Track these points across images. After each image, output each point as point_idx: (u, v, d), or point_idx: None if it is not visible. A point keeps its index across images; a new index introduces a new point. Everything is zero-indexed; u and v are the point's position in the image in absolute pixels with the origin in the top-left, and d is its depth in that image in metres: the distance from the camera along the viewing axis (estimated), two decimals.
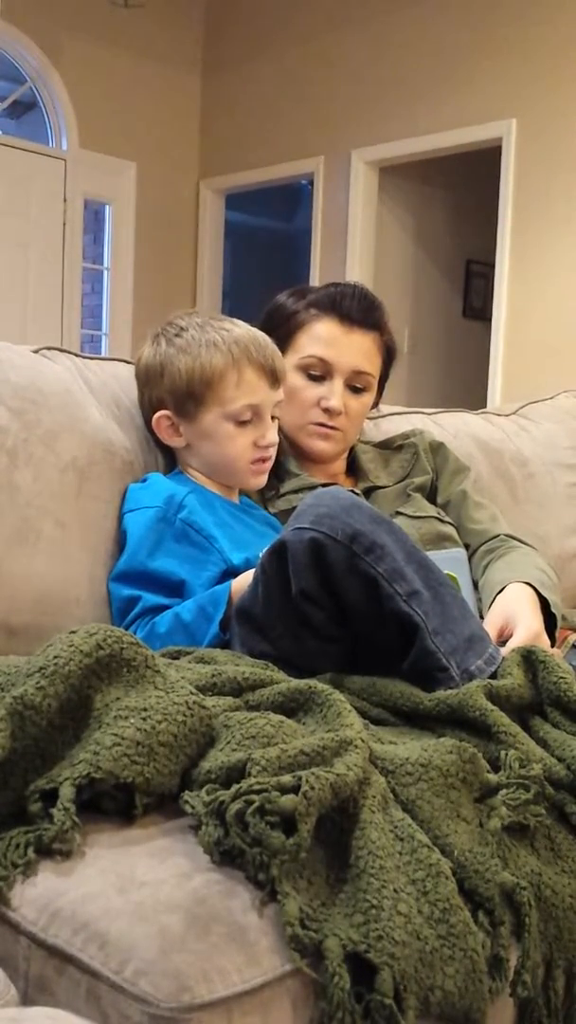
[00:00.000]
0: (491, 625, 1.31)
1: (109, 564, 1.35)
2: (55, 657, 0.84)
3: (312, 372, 1.55)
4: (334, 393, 1.54)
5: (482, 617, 1.38)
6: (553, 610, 1.37)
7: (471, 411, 2.11)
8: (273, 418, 1.42)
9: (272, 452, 1.43)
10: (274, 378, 1.39)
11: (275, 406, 1.41)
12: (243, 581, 1.22)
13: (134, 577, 1.31)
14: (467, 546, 1.59)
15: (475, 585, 1.54)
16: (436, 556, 1.37)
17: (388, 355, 1.62)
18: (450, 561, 1.36)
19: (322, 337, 1.54)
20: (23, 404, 1.31)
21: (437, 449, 1.71)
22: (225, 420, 1.37)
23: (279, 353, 1.42)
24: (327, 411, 1.55)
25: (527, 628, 1.28)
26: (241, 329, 1.39)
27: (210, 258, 6.67)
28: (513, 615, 1.32)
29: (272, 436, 1.41)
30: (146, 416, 1.44)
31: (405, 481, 1.63)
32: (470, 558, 1.58)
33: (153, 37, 6.24)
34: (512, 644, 1.25)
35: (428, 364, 6.40)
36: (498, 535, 1.59)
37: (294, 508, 1.26)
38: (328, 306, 1.55)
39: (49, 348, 1.46)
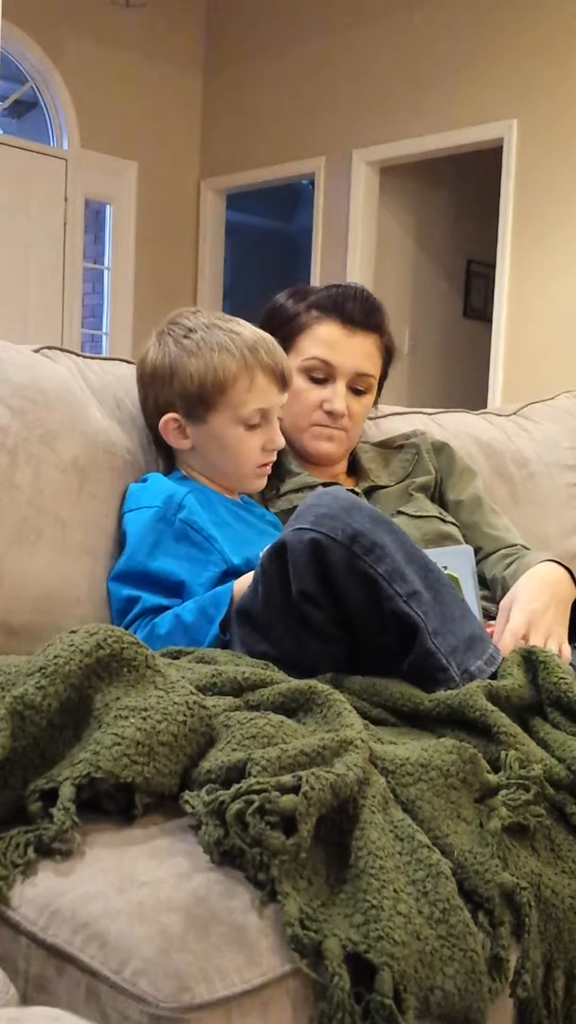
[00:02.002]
0: (502, 610, 1.32)
1: (109, 564, 1.35)
2: (55, 657, 0.84)
3: (314, 375, 1.55)
4: (337, 395, 1.54)
5: (491, 617, 1.38)
6: None
7: (471, 411, 2.11)
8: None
9: (276, 455, 1.43)
10: (283, 381, 1.39)
11: (280, 408, 1.41)
12: (244, 582, 1.22)
13: (133, 577, 1.31)
14: (480, 549, 1.60)
15: (484, 583, 1.55)
16: (444, 551, 1.37)
17: (388, 356, 1.62)
18: (457, 555, 1.36)
19: (324, 340, 1.54)
20: (24, 404, 1.31)
21: (441, 449, 1.71)
22: (236, 424, 1.37)
23: (286, 355, 1.42)
24: (330, 414, 1.55)
25: (520, 610, 1.28)
26: (248, 331, 1.39)
27: (211, 258, 6.67)
28: (515, 595, 1.32)
29: (280, 440, 1.41)
30: (149, 418, 1.43)
31: (407, 481, 1.63)
32: (484, 560, 1.58)
33: (154, 37, 6.24)
34: (507, 628, 1.26)
35: (428, 364, 6.40)
36: (516, 544, 1.60)
37: (295, 508, 1.26)
38: (330, 308, 1.55)
39: (50, 348, 1.46)
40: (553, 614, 1.29)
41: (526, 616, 1.27)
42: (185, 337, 1.37)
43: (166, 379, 1.37)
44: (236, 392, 1.35)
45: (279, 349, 1.40)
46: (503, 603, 1.33)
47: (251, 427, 1.37)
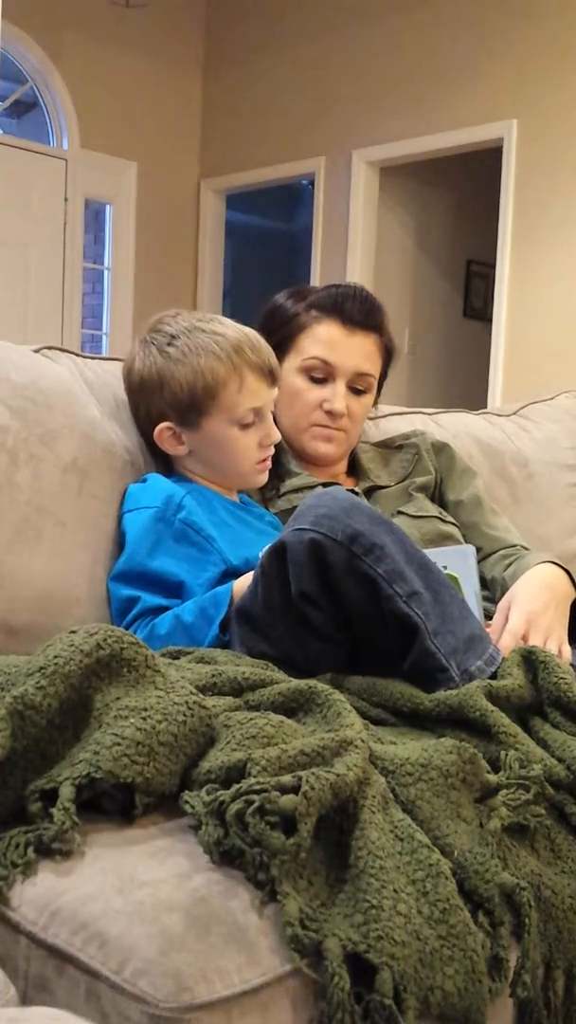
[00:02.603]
0: (500, 611, 1.32)
1: (109, 564, 1.35)
2: (55, 657, 0.84)
3: (314, 375, 1.55)
4: (336, 395, 1.54)
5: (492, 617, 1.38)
6: None
7: (471, 411, 2.11)
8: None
9: (273, 448, 1.43)
10: (272, 377, 1.39)
11: (272, 402, 1.41)
12: (244, 583, 1.22)
13: (133, 577, 1.31)
14: (479, 549, 1.60)
15: (484, 583, 1.55)
16: (444, 551, 1.38)
17: (387, 355, 1.62)
18: (457, 555, 1.36)
19: (324, 339, 1.54)
20: (24, 404, 1.31)
21: (441, 449, 1.71)
22: (230, 425, 1.36)
23: (271, 350, 1.41)
24: (330, 413, 1.55)
25: (520, 611, 1.28)
26: (231, 330, 1.38)
27: (211, 258, 6.67)
28: (514, 596, 1.32)
29: (276, 433, 1.41)
30: (142, 427, 1.43)
31: (407, 481, 1.63)
32: (483, 560, 1.59)
33: (154, 37, 6.24)
34: (507, 629, 1.26)
35: (428, 364, 6.40)
36: (515, 545, 1.60)
37: (295, 508, 1.26)
38: (330, 308, 1.54)
39: (50, 348, 1.46)
40: (552, 614, 1.30)
41: (525, 616, 1.27)
42: (169, 345, 1.36)
43: (155, 389, 1.37)
44: (227, 395, 1.35)
45: (263, 344, 1.39)
46: (501, 604, 1.33)
47: (245, 426, 1.37)
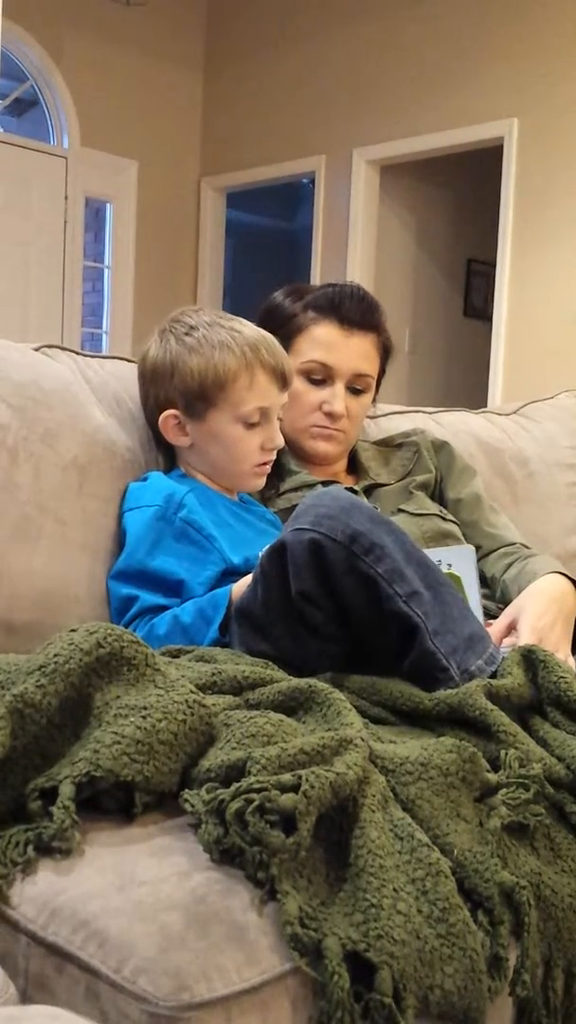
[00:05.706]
0: (505, 616, 1.31)
1: (109, 562, 1.35)
2: (55, 655, 0.84)
3: (313, 377, 1.55)
4: (336, 397, 1.54)
5: (492, 616, 1.38)
6: None
7: (472, 410, 2.11)
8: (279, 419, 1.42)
9: (275, 454, 1.43)
10: (284, 381, 1.39)
11: (280, 408, 1.41)
12: (243, 585, 1.22)
13: (133, 576, 1.31)
14: (479, 547, 1.60)
15: (484, 581, 1.54)
16: (447, 551, 1.37)
17: (385, 354, 1.62)
18: (459, 555, 1.36)
19: (322, 342, 1.54)
20: (24, 402, 1.31)
21: (440, 448, 1.70)
22: (235, 422, 1.36)
23: (287, 355, 1.41)
24: (329, 415, 1.55)
25: (531, 628, 1.27)
26: (250, 329, 1.39)
27: (211, 256, 6.67)
28: (522, 609, 1.31)
29: (280, 440, 1.41)
30: (149, 414, 1.43)
31: (407, 479, 1.63)
32: (483, 558, 1.58)
33: (155, 35, 6.24)
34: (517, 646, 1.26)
35: (429, 363, 6.40)
36: (515, 543, 1.59)
37: (294, 507, 1.25)
38: (327, 309, 1.54)
39: (50, 346, 1.46)
40: (560, 630, 1.29)
41: (537, 635, 1.26)
42: (187, 335, 1.37)
43: (167, 376, 1.37)
44: (236, 390, 1.35)
45: (280, 348, 1.40)
46: (508, 610, 1.33)
47: (250, 426, 1.37)
